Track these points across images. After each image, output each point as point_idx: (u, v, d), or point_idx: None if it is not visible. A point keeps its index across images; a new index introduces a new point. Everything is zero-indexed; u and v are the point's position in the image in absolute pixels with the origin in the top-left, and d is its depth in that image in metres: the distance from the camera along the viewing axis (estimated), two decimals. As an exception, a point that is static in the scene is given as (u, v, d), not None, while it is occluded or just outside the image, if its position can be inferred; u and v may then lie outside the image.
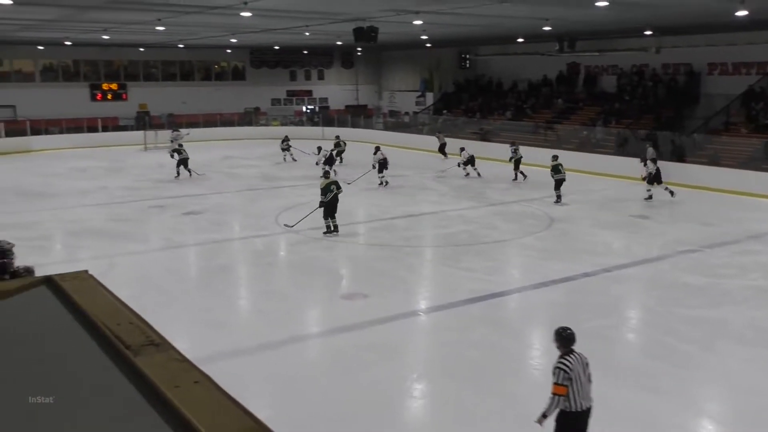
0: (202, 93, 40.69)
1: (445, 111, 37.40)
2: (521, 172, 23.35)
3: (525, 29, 26.15)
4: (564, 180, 19.51)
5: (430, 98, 40.70)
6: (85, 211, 18.53)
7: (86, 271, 2.00)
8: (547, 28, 24.39)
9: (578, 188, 21.45)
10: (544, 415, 5.87)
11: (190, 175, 24.01)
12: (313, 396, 7.76)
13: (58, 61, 37.68)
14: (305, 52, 43.11)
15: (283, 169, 26.65)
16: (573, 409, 5.76)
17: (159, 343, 1.54)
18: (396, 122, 39.54)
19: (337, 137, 28.61)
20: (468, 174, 24.20)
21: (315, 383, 8.12)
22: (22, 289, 1.92)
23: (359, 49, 41.72)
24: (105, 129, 35.47)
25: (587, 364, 5.93)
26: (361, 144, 31.57)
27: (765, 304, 10.92)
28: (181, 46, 35.94)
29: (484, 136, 31.50)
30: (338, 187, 15.61)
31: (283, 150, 28.78)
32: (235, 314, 10.96)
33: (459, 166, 24.42)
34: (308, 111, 43.74)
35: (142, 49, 37.63)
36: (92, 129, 35.20)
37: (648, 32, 26.79)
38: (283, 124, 40.10)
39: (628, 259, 13.63)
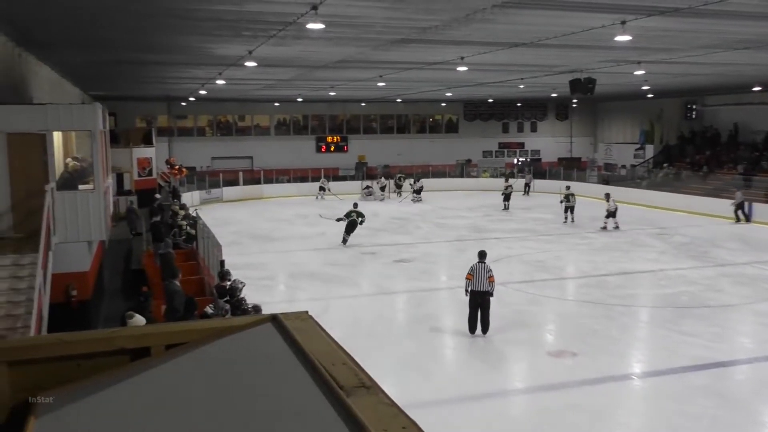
0: (416, 145, 42.29)
1: (665, 164, 35.28)
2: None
3: (763, 77, 24.00)
4: (573, 207, 25.46)
5: (650, 150, 38.65)
6: (304, 254, 19.88)
7: (306, 312, 2.12)
8: (789, 74, 22.21)
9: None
10: (466, 290, 11.76)
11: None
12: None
13: (290, 116, 41.27)
14: (518, 104, 43.19)
15: (494, 221, 26.64)
16: (474, 289, 11.62)
17: (370, 386, 1.59)
18: (611, 175, 37.98)
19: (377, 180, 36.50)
20: (420, 200, 33.00)
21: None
22: (251, 324, 2.09)
23: (574, 100, 40.93)
24: (327, 178, 37.96)
25: (489, 270, 11.68)
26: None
27: None
28: (398, 100, 37.71)
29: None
30: (358, 215, 21.28)
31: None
32: (440, 362, 11.03)
33: (411, 192, 33.48)
34: (519, 163, 43.55)
35: (363, 104, 40.10)
36: (316, 178, 37.89)
37: None
38: (492, 176, 40.30)
39: None
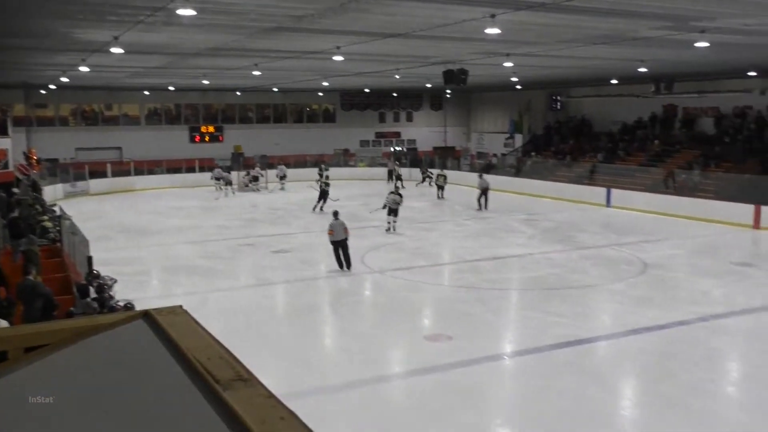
0: (293, 135, 42.00)
1: (533, 153, 37.02)
2: None
3: (619, 71, 25.68)
4: (443, 187, 30.59)
5: (519, 140, 40.42)
6: (180, 248, 19.29)
7: (180, 306, 2.07)
8: (642, 70, 23.87)
9: (676, 233, 20.67)
10: (330, 241, 15.61)
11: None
12: (395, 438, 7.68)
13: (162, 105, 39.78)
14: (395, 94, 43.85)
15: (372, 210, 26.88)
16: (335, 239, 15.49)
17: (247, 379, 1.57)
18: (484, 164, 39.39)
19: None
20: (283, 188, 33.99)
21: (398, 424, 8.05)
22: (121, 322, 2.00)
23: (448, 91, 42.05)
24: (202, 170, 36.93)
25: (343, 224, 15.48)
26: (449, 186, 31.63)
27: None
28: (275, 89, 37.27)
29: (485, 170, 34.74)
30: (396, 194, 22.45)
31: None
32: (320, 352, 11.06)
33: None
34: (395, 152, 44.21)
35: (238, 93, 39.29)
36: (190, 170, 36.79)
37: (752, 73, 25.79)
38: (369, 165, 40.71)
39: (728, 308, 12.93)
